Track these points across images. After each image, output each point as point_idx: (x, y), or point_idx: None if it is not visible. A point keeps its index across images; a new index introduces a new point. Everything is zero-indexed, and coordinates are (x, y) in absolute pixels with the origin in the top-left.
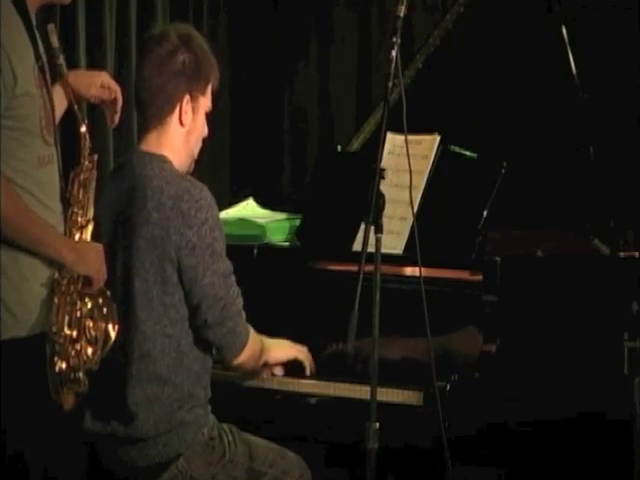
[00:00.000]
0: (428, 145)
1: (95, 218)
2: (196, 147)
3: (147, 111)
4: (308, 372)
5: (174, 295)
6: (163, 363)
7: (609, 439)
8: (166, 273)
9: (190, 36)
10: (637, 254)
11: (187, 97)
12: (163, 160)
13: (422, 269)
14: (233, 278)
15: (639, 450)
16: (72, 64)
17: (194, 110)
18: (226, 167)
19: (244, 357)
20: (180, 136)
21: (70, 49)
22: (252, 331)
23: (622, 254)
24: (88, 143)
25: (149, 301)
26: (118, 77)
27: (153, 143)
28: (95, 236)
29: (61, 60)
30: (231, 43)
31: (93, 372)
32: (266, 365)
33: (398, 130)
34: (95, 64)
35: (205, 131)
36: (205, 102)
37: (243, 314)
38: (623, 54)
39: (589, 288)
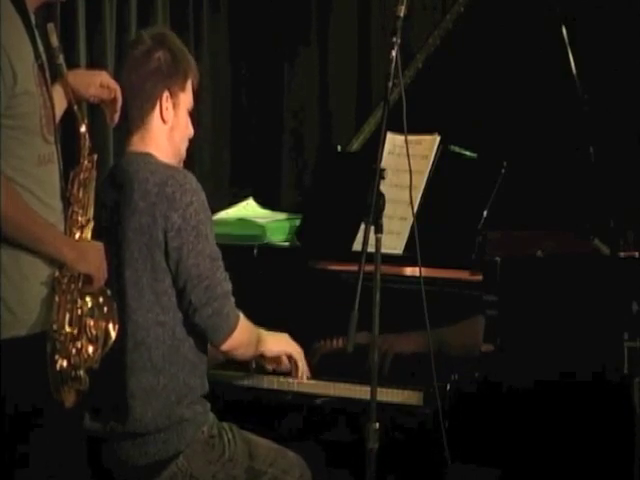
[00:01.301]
0: (428, 145)
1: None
2: (182, 145)
3: (129, 113)
4: (299, 375)
5: (164, 281)
6: (158, 352)
7: (609, 439)
8: (155, 260)
9: (164, 35)
10: (637, 254)
11: (166, 93)
12: (149, 156)
13: (422, 269)
14: (221, 263)
15: None
16: (72, 62)
17: (175, 106)
18: (226, 167)
19: (234, 342)
20: (163, 133)
21: (70, 47)
22: (246, 320)
23: (622, 254)
24: (88, 143)
25: (140, 290)
26: (118, 76)
27: (138, 143)
28: (95, 235)
29: (61, 59)
30: (231, 42)
31: (93, 370)
32: (262, 357)
33: (398, 130)
34: (95, 62)
35: (190, 130)
36: (186, 98)
37: (231, 298)
38: (623, 54)
39: (589, 288)
